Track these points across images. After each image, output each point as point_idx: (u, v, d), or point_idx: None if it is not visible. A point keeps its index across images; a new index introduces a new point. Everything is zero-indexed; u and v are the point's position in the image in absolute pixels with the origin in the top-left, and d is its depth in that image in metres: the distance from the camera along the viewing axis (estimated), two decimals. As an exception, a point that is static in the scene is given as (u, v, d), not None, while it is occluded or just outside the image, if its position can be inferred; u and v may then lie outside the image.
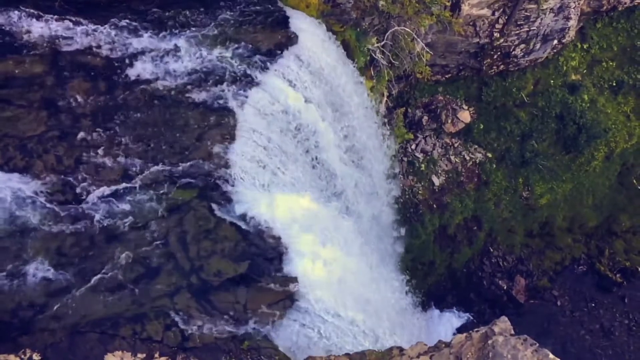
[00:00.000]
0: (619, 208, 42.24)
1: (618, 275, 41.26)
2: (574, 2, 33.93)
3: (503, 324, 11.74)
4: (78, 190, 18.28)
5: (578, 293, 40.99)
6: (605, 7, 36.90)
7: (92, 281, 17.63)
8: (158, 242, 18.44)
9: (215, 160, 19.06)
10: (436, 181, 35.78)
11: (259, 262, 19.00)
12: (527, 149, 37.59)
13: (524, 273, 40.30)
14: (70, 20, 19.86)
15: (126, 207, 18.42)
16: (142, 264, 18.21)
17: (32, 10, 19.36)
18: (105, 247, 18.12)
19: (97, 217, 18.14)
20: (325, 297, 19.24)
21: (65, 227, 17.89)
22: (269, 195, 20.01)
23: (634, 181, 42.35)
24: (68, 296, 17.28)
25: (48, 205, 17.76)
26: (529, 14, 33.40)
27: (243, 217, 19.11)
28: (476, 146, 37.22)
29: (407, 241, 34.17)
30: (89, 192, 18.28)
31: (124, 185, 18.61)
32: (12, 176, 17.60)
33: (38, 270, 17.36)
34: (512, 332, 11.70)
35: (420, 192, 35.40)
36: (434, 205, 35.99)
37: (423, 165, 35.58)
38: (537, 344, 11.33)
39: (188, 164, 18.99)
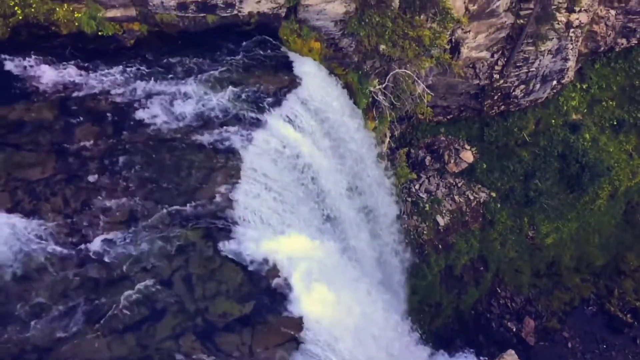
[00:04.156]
0: (626, 247, 42.02)
1: (629, 316, 40.71)
2: (572, 44, 34.67)
3: (510, 357, 11.63)
4: (84, 232, 18.39)
5: (589, 334, 40.35)
6: (602, 48, 37.66)
7: (97, 324, 17.51)
8: (163, 284, 18.39)
9: (221, 201, 19.20)
10: (441, 221, 35.79)
11: (264, 303, 18.89)
12: (530, 188, 37.72)
13: (532, 314, 39.81)
14: (80, 67, 20.43)
15: (132, 248, 18.46)
16: (147, 305, 18.11)
17: (43, 57, 19.95)
18: (110, 289, 18.08)
19: (103, 259, 18.18)
20: (331, 338, 19.04)
21: (71, 269, 17.91)
22: (274, 235, 20.05)
23: (640, 219, 42.31)
24: (73, 339, 17.14)
25: (54, 247, 17.84)
26: (527, 56, 34.11)
27: (248, 257, 19.09)
28: (480, 186, 37.40)
29: (413, 282, 33.91)
30: (95, 235, 18.38)
31: (129, 227, 18.70)
32: (20, 219, 17.74)
33: (42, 313, 17.29)
34: (520, 365, 11.57)
35: (425, 232, 35.38)
36: (439, 246, 35.90)
37: (427, 206, 35.68)
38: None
39: (193, 205, 19.12)
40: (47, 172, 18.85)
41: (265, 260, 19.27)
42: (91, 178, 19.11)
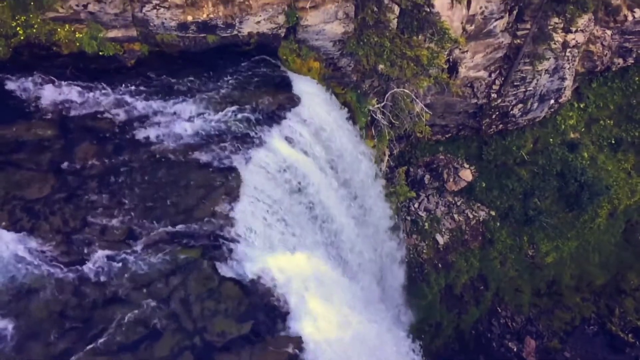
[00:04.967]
0: (627, 266, 41.91)
1: (630, 335, 40.46)
2: (568, 63, 34.96)
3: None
4: (83, 251, 18.35)
5: (590, 354, 40.04)
6: (599, 68, 37.97)
7: (94, 343, 17.38)
8: (161, 303, 18.29)
9: (220, 219, 19.19)
10: (440, 240, 35.74)
11: (263, 322, 18.78)
12: (530, 207, 37.73)
13: (533, 334, 39.55)
14: (81, 86, 20.56)
15: (130, 267, 18.40)
16: (145, 325, 18.00)
17: (44, 77, 20.09)
18: (108, 308, 17.98)
19: (101, 278, 18.11)
20: (331, 357, 18.89)
21: (69, 288, 17.83)
22: (273, 254, 20.00)
23: (640, 238, 42.25)
24: (70, 359, 17.00)
25: (52, 266, 17.78)
26: (524, 75, 34.37)
27: (247, 276, 19.03)
28: (479, 204, 37.44)
29: (413, 301, 33.77)
30: (93, 253, 18.33)
31: (128, 245, 18.66)
32: (18, 238, 17.70)
33: (39, 332, 17.17)
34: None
35: (424, 251, 35.32)
36: (439, 265, 35.80)
37: (427, 224, 35.67)
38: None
39: (192, 223, 19.11)
40: (47, 191, 18.85)
41: (265, 279, 19.20)
42: (90, 197, 19.10)
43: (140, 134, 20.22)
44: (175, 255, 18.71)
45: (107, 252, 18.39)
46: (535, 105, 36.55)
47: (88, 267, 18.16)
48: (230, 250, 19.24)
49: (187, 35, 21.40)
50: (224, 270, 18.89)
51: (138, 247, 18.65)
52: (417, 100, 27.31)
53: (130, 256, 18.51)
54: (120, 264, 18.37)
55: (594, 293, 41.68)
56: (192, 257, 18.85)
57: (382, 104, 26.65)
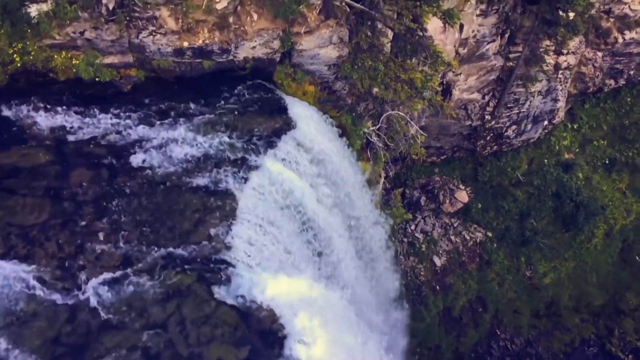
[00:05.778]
0: (624, 286, 41.80)
1: (630, 356, 40.23)
2: (561, 85, 35.32)
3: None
4: (78, 277, 18.25)
5: (591, 376, 39.76)
6: (591, 89, 38.35)
7: (89, 371, 17.20)
8: (157, 329, 18.14)
9: (216, 243, 19.14)
10: (438, 262, 35.65)
11: (260, 347, 18.62)
12: (526, 228, 37.74)
13: (533, 356, 39.28)
14: (77, 112, 20.65)
15: (125, 293, 18.29)
16: (140, 351, 17.83)
17: (40, 103, 20.17)
18: (103, 335, 17.83)
19: (96, 304, 17.99)
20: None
21: (63, 314, 17.69)
22: (270, 277, 19.89)
23: (637, 258, 42.18)
24: (64, 387, 16.81)
25: (47, 292, 17.66)
26: (518, 97, 34.69)
27: (243, 300, 18.91)
28: (475, 225, 37.43)
29: (411, 325, 33.55)
30: (88, 279, 18.24)
31: (123, 271, 18.57)
32: (13, 265, 17.60)
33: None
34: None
35: (422, 273, 35.21)
36: (437, 287, 35.66)
37: (424, 246, 35.61)
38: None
39: (188, 247, 19.05)
40: (42, 217, 18.82)
41: (261, 303, 19.08)
42: (86, 222, 19.05)
43: (136, 159, 20.25)
44: (171, 280, 18.62)
45: (103, 277, 18.30)
46: (529, 126, 36.82)
47: (83, 293, 18.05)
48: (227, 275, 19.16)
49: (183, 60, 21.56)
50: (221, 294, 18.78)
51: (133, 273, 18.55)
52: (412, 122, 27.48)
53: (125, 281, 18.40)
54: (115, 290, 18.26)
55: (593, 314, 41.47)
56: (188, 282, 18.76)
57: (377, 127, 26.80)
